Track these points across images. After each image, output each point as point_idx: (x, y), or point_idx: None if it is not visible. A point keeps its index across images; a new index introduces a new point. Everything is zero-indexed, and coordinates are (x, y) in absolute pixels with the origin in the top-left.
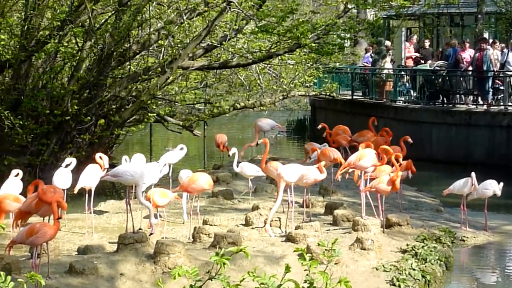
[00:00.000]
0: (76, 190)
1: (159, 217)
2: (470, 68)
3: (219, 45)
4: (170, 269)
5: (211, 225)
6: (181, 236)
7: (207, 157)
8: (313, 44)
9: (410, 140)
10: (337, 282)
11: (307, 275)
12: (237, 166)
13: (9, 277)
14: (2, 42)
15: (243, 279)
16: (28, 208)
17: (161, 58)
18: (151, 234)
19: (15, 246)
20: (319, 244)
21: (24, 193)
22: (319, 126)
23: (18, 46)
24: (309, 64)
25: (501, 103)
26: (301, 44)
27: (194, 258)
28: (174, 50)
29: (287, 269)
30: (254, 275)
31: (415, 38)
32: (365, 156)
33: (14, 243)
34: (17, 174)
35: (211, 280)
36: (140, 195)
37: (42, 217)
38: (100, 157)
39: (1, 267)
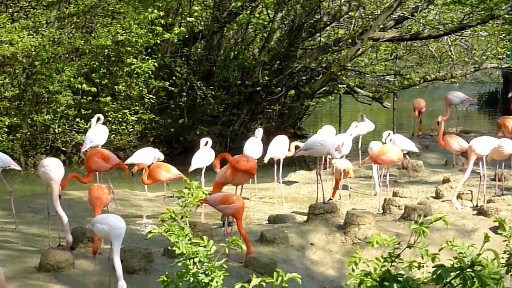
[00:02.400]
0: (266, 160)
1: (350, 189)
2: None
3: (410, 17)
4: (360, 240)
5: (401, 197)
6: (370, 207)
7: (396, 129)
8: (506, 16)
9: None
10: None
11: (506, 245)
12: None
13: (211, 241)
14: (195, 14)
15: (441, 248)
16: (223, 179)
17: (351, 29)
18: None
19: (208, 215)
20: None
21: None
22: (510, 94)
23: (210, 17)
24: (502, 36)
25: None
26: (494, 15)
27: (384, 230)
28: (365, 21)
29: (486, 238)
30: (452, 244)
31: None
32: None
33: (206, 202)
34: (206, 143)
35: (409, 248)
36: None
37: (235, 186)
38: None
39: (195, 234)
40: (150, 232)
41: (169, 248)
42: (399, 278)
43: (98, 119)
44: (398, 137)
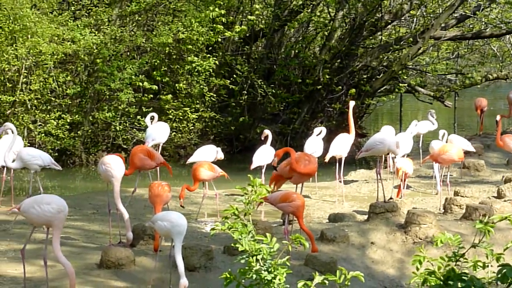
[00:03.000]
0: (327, 159)
1: (408, 188)
2: None
3: (472, 15)
4: (421, 239)
5: (463, 196)
6: (431, 206)
7: (457, 128)
8: None
9: None
10: None
11: None
12: None
13: (274, 239)
14: (256, 12)
15: (507, 248)
16: (281, 173)
17: (412, 28)
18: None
19: (268, 213)
20: None
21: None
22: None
23: (271, 16)
24: None
25: None
26: None
27: (445, 229)
28: (426, 20)
29: None
30: None
31: None
32: None
33: (266, 200)
34: (267, 136)
35: (474, 248)
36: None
37: (295, 184)
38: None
39: (256, 232)
40: (213, 229)
41: (231, 245)
42: (463, 277)
43: (152, 118)
44: (454, 137)
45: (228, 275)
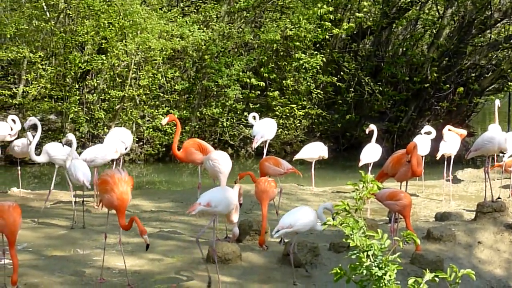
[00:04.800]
0: (438, 157)
1: None
2: None
3: None
4: None
5: None
6: None
7: None
8: None
9: None
10: None
11: None
12: None
13: (385, 235)
14: (364, 9)
15: None
16: (385, 170)
17: None
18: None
19: (373, 211)
20: None
21: (384, 158)
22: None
23: (379, 13)
24: None
25: None
26: None
27: None
28: None
29: None
30: None
31: None
32: None
33: (374, 197)
34: (371, 133)
35: None
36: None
37: (398, 182)
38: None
39: None
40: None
41: (337, 242)
42: None
43: (255, 117)
44: None
45: (339, 271)
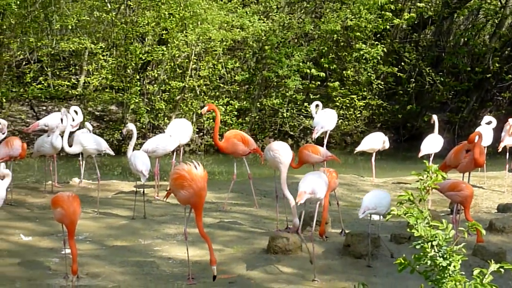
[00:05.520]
0: (500, 148)
1: None
2: None
3: None
4: None
5: None
6: None
7: None
8: None
9: None
10: None
11: None
12: None
13: (450, 225)
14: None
15: None
16: (448, 161)
17: None
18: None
19: (434, 202)
20: None
21: (445, 149)
22: None
23: (440, 3)
24: None
25: None
26: None
27: None
28: None
29: None
30: None
31: None
32: None
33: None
34: (433, 124)
35: None
36: None
37: (461, 173)
38: None
39: None
40: (389, 213)
41: (402, 232)
42: None
43: (317, 105)
44: None
45: (403, 261)
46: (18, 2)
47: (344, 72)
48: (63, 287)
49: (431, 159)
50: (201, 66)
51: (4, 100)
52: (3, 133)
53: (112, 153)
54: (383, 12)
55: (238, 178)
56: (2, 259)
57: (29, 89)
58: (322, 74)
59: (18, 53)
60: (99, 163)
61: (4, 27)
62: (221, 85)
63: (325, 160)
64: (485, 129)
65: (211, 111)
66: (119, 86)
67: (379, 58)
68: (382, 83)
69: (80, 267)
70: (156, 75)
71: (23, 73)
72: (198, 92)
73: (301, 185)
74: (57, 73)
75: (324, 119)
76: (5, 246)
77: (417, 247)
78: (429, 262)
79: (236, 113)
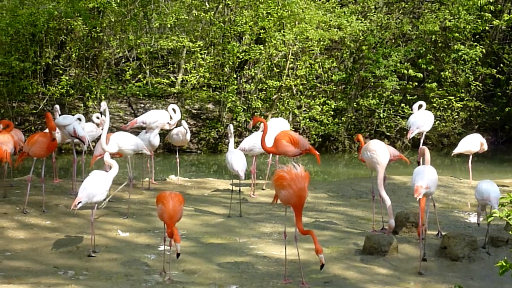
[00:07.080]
0: None
1: None
2: None
3: None
4: None
5: None
6: None
7: None
8: None
9: None
10: None
11: None
12: None
13: None
14: None
15: None
16: None
17: None
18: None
19: None
20: None
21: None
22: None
23: None
24: None
25: None
26: None
27: None
28: None
29: None
30: None
31: None
32: None
33: None
34: None
35: None
36: None
37: None
38: None
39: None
40: (490, 215)
41: (500, 235)
42: None
43: (420, 106)
44: None
45: (504, 263)
46: (118, 1)
47: (442, 73)
48: (160, 284)
49: None
50: (298, 66)
51: (103, 97)
52: (102, 129)
53: (148, 153)
54: (482, 13)
55: (334, 179)
56: (100, 254)
57: (127, 87)
58: (420, 75)
59: (117, 50)
60: (196, 161)
61: (104, 25)
62: (318, 84)
63: (393, 160)
64: None
65: (260, 122)
66: (216, 85)
67: (478, 60)
68: (480, 84)
69: (177, 263)
70: (253, 74)
71: (122, 70)
72: (294, 92)
73: (416, 180)
74: (155, 71)
75: (419, 120)
76: (103, 241)
77: None
78: None
79: (332, 113)
